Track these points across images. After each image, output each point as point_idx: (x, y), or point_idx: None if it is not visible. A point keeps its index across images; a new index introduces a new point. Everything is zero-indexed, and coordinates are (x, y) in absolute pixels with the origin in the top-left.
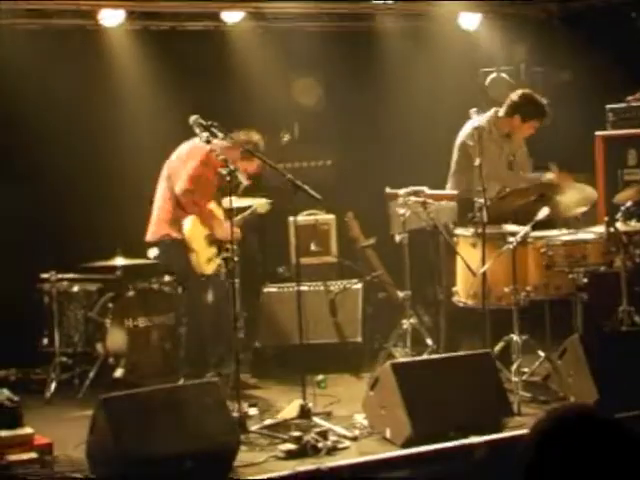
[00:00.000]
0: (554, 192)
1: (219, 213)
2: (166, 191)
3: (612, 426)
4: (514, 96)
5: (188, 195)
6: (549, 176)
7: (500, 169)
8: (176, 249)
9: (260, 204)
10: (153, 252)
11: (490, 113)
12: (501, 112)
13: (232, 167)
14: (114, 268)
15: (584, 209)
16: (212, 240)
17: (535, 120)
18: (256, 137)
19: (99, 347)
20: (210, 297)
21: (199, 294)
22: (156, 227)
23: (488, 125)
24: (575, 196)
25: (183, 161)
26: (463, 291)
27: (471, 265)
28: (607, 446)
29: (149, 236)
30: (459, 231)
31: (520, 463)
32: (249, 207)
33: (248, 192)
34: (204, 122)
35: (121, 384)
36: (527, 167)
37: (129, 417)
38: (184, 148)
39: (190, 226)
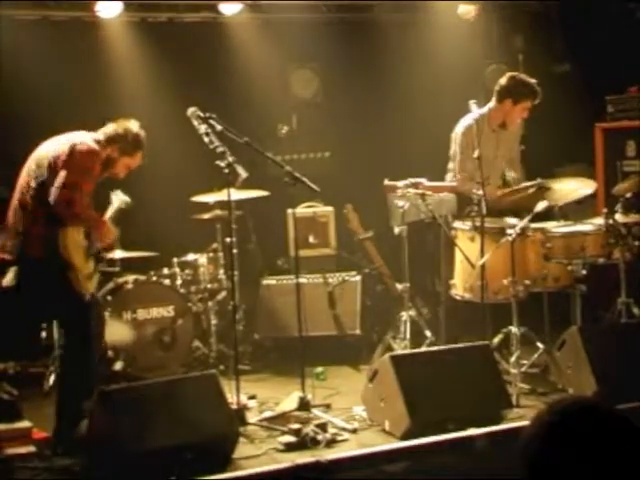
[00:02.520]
0: (552, 182)
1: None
2: (27, 200)
3: (615, 418)
4: (502, 80)
5: (63, 206)
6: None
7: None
8: (45, 269)
9: (121, 200)
10: (9, 276)
11: (485, 108)
12: (492, 101)
13: (230, 159)
14: (113, 261)
15: (583, 195)
16: (89, 253)
17: (526, 100)
18: (136, 127)
19: None
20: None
21: (85, 320)
22: (15, 242)
23: (482, 119)
24: (573, 184)
25: (54, 167)
26: (461, 284)
27: (470, 258)
28: (611, 438)
29: (4, 254)
30: (457, 224)
31: (523, 457)
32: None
33: (247, 184)
34: (202, 114)
35: (120, 377)
36: (517, 165)
37: (127, 410)
38: (55, 149)
39: (67, 239)
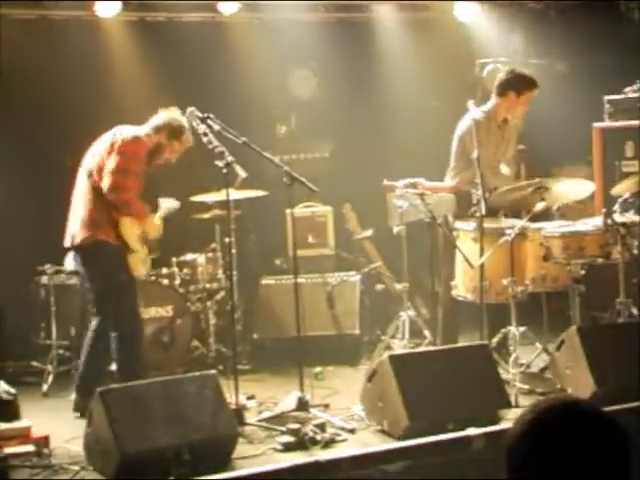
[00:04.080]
0: (551, 183)
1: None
2: (88, 190)
3: (599, 418)
4: (501, 75)
5: (116, 192)
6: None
7: (494, 164)
8: (105, 252)
9: (168, 206)
10: (71, 259)
11: (488, 105)
12: (494, 97)
13: (229, 159)
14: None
15: (582, 195)
16: (144, 239)
17: (528, 91)
18: (178, 114)
19: None
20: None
21: (134, 299)
22: (79, 230)
23: (487, 116)
24: (572, 185)
25: (105, 156)
26: (462, 285)
27: (470, 258)
28: (591, 437)
29: (68, 241)
30: (458, 224)
31: (506, 455)
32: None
33: (245, 184)
34: (200, 114)
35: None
36: (512, 162)
37: (126, 409)
38: (105, 140)
39: (125, 225)
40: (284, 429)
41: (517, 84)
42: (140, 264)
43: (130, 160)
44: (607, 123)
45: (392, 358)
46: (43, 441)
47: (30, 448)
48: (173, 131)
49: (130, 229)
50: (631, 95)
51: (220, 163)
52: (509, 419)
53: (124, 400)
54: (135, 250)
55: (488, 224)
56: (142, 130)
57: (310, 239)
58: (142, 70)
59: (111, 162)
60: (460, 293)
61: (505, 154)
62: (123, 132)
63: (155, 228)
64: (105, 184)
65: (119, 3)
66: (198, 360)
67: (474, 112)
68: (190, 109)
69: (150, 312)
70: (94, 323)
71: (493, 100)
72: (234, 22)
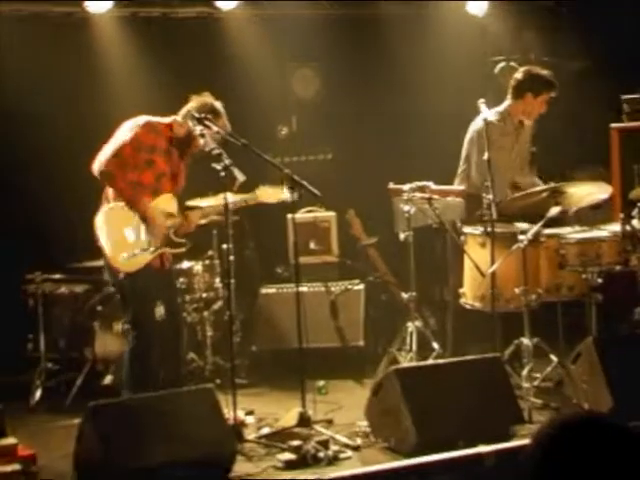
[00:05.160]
0: (566, 186)
1: (169, 207)
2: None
3: (620, 432)
4: (518, 75)
5: (103, 175)
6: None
7: (512, 167)
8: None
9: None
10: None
11: (503, 105)
12: (509, 98)
13: (227, 162)
14: (103, 268)
15: (599, 199)
16: (140, 233)
17: (546, 92)
18: (210, 98)
19: (87, 352)
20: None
21: (122, 296)
22: None
23: (502, 118)
24: (588, 188)
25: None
26: (470, 293)
27: (480, 265)
28: (614, 453)
29: None
30: (467, 230)
31: (523, 471)
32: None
33: (244, 188)
34: (197, 114)
35: (110, 391)
36: (527, 166)
37: (118, 426)
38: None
39: (106, 213)
40: (285, 446)
41: (534, 85)
42: (120, 258)
43: (123, 144)
44: (625, 124)
45: (399, 371)
46: (30, 459)
47: (16, 467)
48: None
49: (115, 218)
50: None
51: (218, 166)
52: (523, 435)
53: (116, 416)
54: (109, 241)
55: (499, 229)
56: (167, 119)
57: (312, 246)
58: (135, 69)
59: (110, 145)
60: (468, 301)
61: (521, 158)
62: (136, 120)
63: (159, 229)
64: (96, 167)
65: None
66: (194, 373)
67: (486, 112)
68: (185, 109)
69: None
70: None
71: (508, 101)
72: (233, 18)
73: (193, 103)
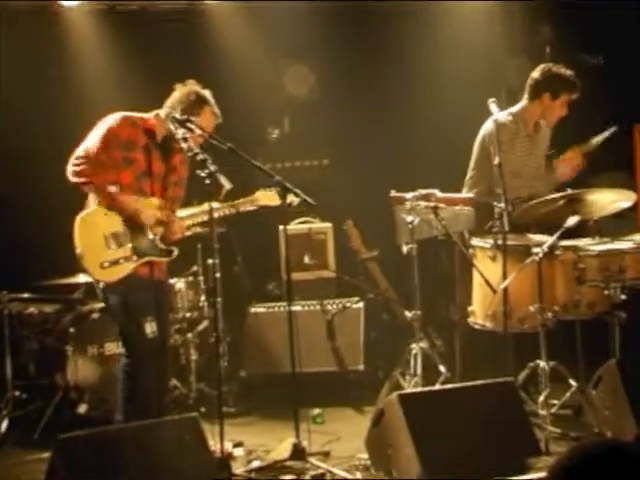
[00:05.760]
0: (585, 193)
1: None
2: None
3: None
4: (535, 74)
5: (74, 175)
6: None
7: (529, 172)
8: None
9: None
10: None
11: (518, 106)
12: (525, 98)
13: (212, 168)
14: (75, 286)
15: (621, 207)
16: (120, 240)
17: (566, 94)
18: (195, 86)
19: (58, 378)
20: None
21: (107, 305)
22: None
23: (515, 120)
24: (610, 196)
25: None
26: (480, 311)
27: (490, 280)
28: None
29: None
30: (477, 242)
31: None
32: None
33: (232, 197)
34: (179, 116)
35: (84, 422)
36: (543, 173)
37: (92, 460)
38: None
39: (81, 219)
40: None
41: (554, 85)
42: (97, 267)
43: (95, 142)
44: None
45: (402, 398)
46: None
47: None
48: (190, 106)
49: (90, 224)
50: None
51: (202, 173)
52: (539, 468)
53: (90, 449)
54: (84, 250)
55: (511, 241)
56: (149, 114)
57: (307, 260)
58: (113, 67)
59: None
60: (477, 320)
61: (535, 164)
62: (112, 115)
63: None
64: (67, 170)
65: None
66: (177, 401)
67: (498, 113)
68: (167, 110)
69: (121, 346)
70: None
71: (524, 102)
72: (218, 10)
73: (177, 93)
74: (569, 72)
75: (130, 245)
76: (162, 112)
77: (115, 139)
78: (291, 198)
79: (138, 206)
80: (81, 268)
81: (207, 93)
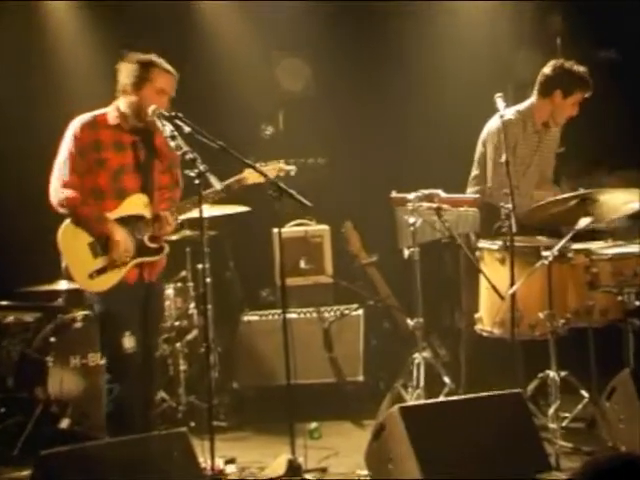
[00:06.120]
0: (598, 193)
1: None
2: None
3: None
4: (547, 70)
5: (55, 195)
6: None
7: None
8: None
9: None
10: None
11: (526, 103)
12: (535, 95)
13: (202, 168)
14: (56, 293)
15: (636, 209)
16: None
17: (579, 92)
18: (139, 56)
19: (39, 391)
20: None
21: (97, 315)
22: None
23: (522, 118)
24: (623, 196)
25: None
26: (488, 318)
27: (498, 286)
28: None
29: None
30: (483, 244)
31: None
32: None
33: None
34: (166, 113)
35: (67, 437)
36: (551, 173)
37: (75, 478)
38: None
39: (63, 230)
40: None
41: (566, 82)
42: (85, 277)
43: (64, 155)
44: None
45: (404, 410)
46: None
47: None
48: (140, 80)
49: (72, 235)
50: None
51: (191, 172)
52: None
53: (72, 466)
54: (70, 261)
55: (520, 243)
56: (105, 109)
57: (303, 265)
58: (94, 63)
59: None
60: (485, 327)
61: (541, 169)
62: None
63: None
64: (50, 199)
65: None
66: (165, 415)
67: (504, 110)
68: (153, 107)
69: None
70: None
71: (533, 99)
72: (209, 1)
73: (121, 75)
74: (582, 69)
75: (132, 245)
76: (121, 103)
77: (81, 147)
78: (286, 167)
79: (110, 227)
80: (70, 280)
81: (151, 56)
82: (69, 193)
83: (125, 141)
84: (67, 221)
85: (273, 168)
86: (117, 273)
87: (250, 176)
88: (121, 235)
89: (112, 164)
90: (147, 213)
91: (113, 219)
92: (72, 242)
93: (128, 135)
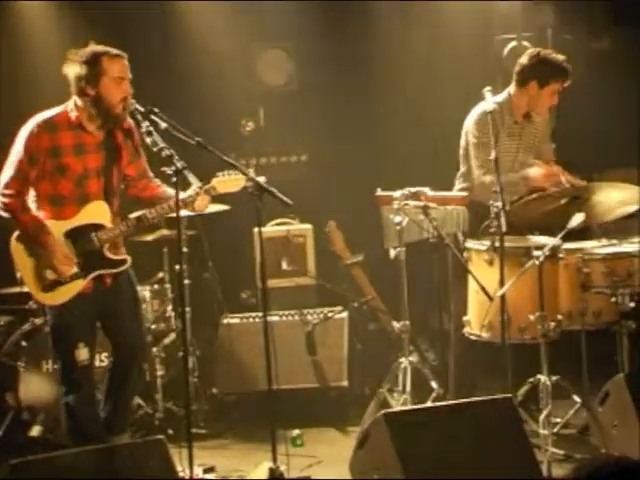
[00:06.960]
0: (590, 192)
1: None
2: None
3: None
4: (523, 60)
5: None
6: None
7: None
8: None
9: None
10: None
11: (504, 94)
12: (512, 86)
13: (179, 165)
14: (28, 296)
15: (630, 208)
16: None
17: (555, 82)
18: (80, 51)
19: (9, 398)
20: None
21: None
22: None
23: (500, 109)
24: (617, 196)
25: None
26: (476, 321)
27: (487, 287)
28: None
29: None
30: (471, 244)
31: None
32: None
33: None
34: (141, 108)
35: (38, 445)
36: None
37: None
38: None
39: (14, 240)
40: None
41: (541, 72)
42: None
43: (11, 162)
44: None
45: (389, 416)
46: None
47: None
48: (92, 74)
49: (19, 246)
50: None
51: (168, 170)
52: None
53: (44, 476)
54: (23, 273)
55: (509, 242)
56: (60, 107)
57: (284, 265)
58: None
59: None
60: (473, 331)
61: (526, 159)
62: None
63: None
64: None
65: None
66: (141, 422)
67: (489, 102)
68: (129, 101)
69: None
70: None
71: (511, 89)
72: None
73: (71, 71)
74: (560, 57)
75: (74, 261)
76: (78, 99)
77: (36, 151)
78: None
79: (47, 240)
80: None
81: (92, 48)
82: (9, 200)
83: (87, 143)
84: (18, 231)
85: (238, 179)
86: (72, 287)
87: (219, 186)
88: (58, 250)
89: (75, 170)
90: (106, 222)
91: (67, 229)
92: (24, 252)
93: (90, 136)
